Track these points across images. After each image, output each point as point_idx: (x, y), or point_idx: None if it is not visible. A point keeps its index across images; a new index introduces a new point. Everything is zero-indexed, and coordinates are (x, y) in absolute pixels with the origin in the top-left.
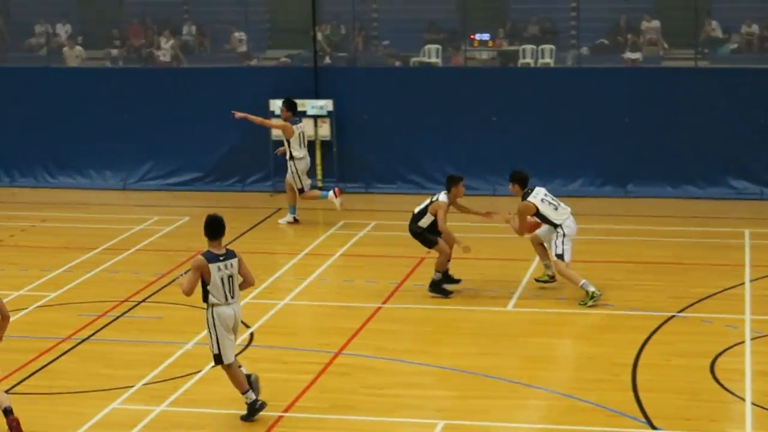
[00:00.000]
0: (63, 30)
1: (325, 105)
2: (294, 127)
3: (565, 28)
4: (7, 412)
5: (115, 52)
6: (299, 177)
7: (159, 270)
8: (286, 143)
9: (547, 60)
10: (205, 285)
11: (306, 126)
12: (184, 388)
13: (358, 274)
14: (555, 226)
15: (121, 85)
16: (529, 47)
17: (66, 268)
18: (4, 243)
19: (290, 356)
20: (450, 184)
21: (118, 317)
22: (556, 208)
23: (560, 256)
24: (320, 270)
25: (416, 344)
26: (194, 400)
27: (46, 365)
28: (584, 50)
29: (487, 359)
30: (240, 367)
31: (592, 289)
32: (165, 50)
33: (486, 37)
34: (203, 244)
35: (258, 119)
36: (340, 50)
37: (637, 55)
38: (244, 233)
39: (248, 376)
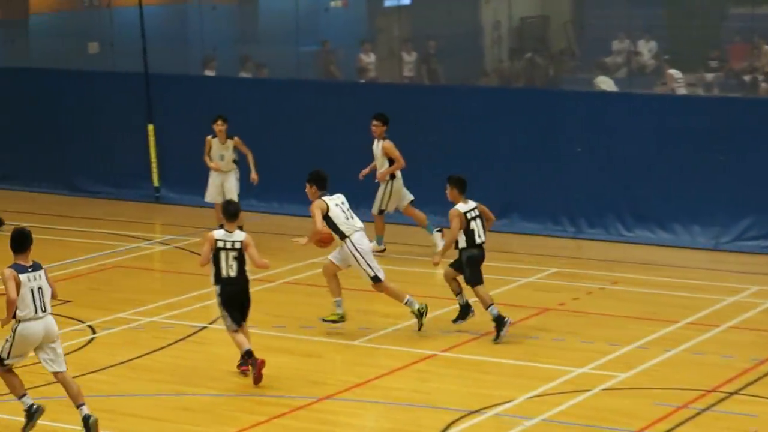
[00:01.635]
0: (646, 48)
1: None
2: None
3: None
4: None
5: (710, 76)
6: (389, 198)
7: (756, 355)
8: (387, 163)
9: None
10: None
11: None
12: None
13: None
14: (342, 237)
15: (716, 119)
16: None
17: (640, 344)
18: (566, 307)
19: None
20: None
21: (702, 410)
22: (348, 218)
23: (375, 278)
24: None
25: None
26: None
27: None
28: None
29: None
30: None
31: (417, 306)
32: None
33: None
34: None
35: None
36: None
37: None
38: None
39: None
